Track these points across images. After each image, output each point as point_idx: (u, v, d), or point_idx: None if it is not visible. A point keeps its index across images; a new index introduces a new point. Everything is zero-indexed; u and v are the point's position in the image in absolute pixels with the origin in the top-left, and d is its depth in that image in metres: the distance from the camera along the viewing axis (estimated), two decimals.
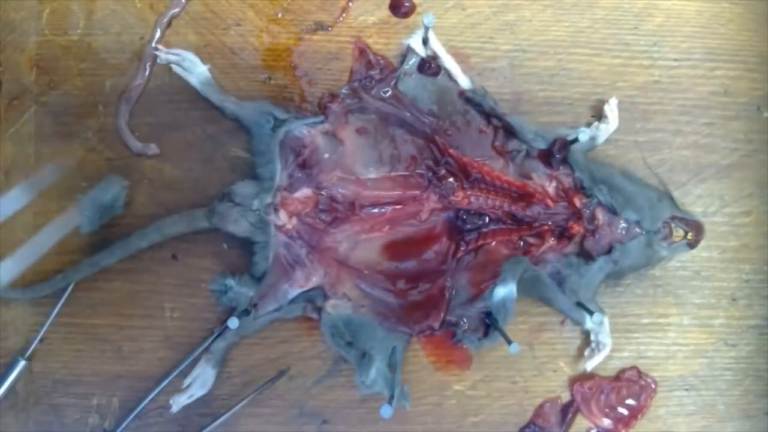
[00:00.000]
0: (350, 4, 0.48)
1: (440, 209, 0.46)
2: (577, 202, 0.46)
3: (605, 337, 0.46)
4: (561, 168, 0.46)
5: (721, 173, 0.49)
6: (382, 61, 0.48)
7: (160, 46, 0.47)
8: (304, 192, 0.45)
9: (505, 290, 0.44)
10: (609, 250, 0.45)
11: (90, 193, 0.46)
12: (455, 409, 0.48)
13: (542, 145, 0.46)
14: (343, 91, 0.47)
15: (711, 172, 0.49)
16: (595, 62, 0.49)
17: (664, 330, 0.48)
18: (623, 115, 0.47)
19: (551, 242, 0.46)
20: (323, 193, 0.46)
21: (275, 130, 0.45)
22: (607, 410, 0.47)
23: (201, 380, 0.45)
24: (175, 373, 0.45)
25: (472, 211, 0.46)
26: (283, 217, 0.45)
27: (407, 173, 0.46)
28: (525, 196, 0.46)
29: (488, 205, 0.46)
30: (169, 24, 0.48)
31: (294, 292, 0.45)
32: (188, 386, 0.45)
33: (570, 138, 0.45)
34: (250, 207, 0.45)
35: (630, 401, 0.47)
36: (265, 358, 0.47)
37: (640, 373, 0.48)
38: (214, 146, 0.48)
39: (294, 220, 0.45)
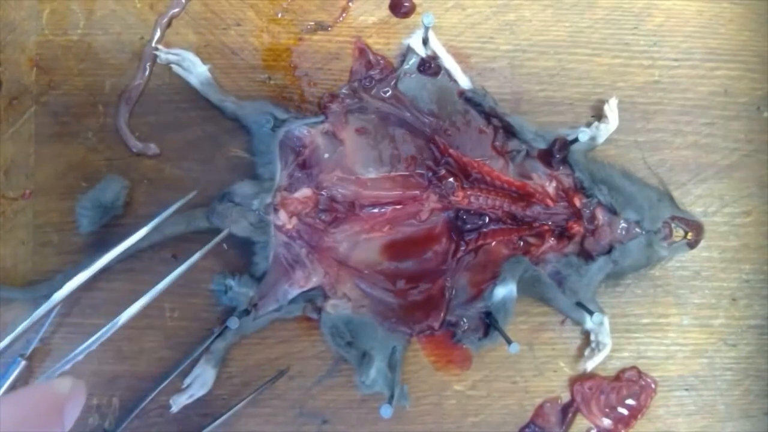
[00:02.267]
0: (350, 4, 0.48)
1: (440, 209, 0.46)
2: (577, 202, 0.46)
3: (605, 337, 0.46)
4: (561, 168, 0.46)
5: (721, 173, 0.49)
6: (382, 61, 0.48)
7: (160, 46, 0.47)
8: (304, 192, 0.45)
9: (505, 290, 0.44)
10: (609, 250, 0.45)
11: (90, 193, 0.46)
12: (455, 409, 0.48)
13: (542, 145, 0.46)
14: (343, 91, 0.47)
15: (711, 172, 0.49)
16: (595, 62, 0.49)
17: (664, 330, 0.48)
18: (623, 115, 0.47)
19: (551, 242, 0.46)
20: (323, 193, 0.46)
21: (275, 130, 0.45)
22: (607, 410, 0.47)
23: (201, 380, 0.45)
24: (175, 373, 0.45)
25: (472, 211, 0.46)
26: (282, 217, 0.45)
27: (407, 173, 0.46)
28: (525, 196, 0.46)
29: (488, 205, 0.46)
30: (169, 24, 0.48)
31: (294, 292, 0.45)
32: (188, 386, 0.45)
33: (570, 138, 0.45)
34: (250, 207, 0.45)
35: (630, 401, 0.48)
36: (265, 358, 0.47)
37: (640, 373, 0.48)
38: (214, 146, 0.48)
39: (294, 220, 0.45)
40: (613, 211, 0.46)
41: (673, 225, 0.46)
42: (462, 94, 0.47)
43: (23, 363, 0.46)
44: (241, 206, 0.45)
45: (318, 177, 0.46)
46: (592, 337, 0.47)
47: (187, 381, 0.46)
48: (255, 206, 0.44)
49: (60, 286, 0.46)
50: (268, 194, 0.45)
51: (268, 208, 0.45)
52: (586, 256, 0.46)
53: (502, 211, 0.46)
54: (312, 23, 0.48)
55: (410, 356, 0.47)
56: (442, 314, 0.45)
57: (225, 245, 0.47)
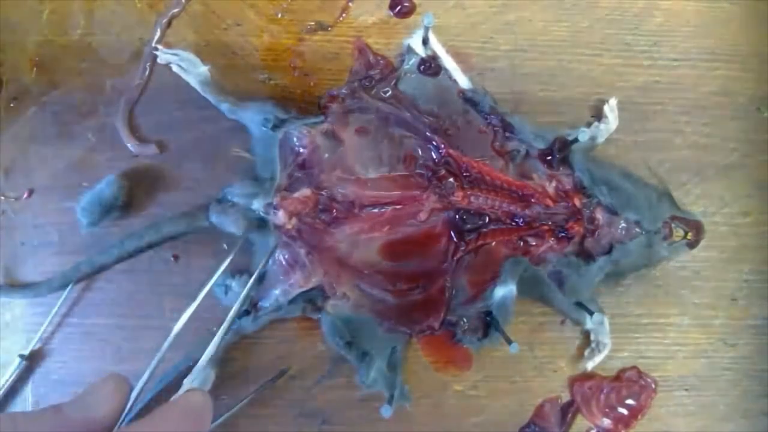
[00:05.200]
0: (350, 4, 0.48)
1: (440, 209, 0.46)
2: (577, 202, 0.46)
3: (605, 337, 0.46)
4: (561, 168, 0.47)
5: (721, 173, 0.49)
6: (382, 61, 0.48)
7: (159, 46, 0.47)
8: (304, 192, 0.45)
9: (504, 290, 0.44)
10: (609, 250, 0.45)
11: (90, 193, 0.46)
12: (455, 409, 0.48)
13: (542, 145, 0.46)
14: (343, 91, 0.47)
15: (711, 172, 0.49)
16: (595, 62, 0.49)
17: (664, 330, 0.48)
18: (623, 115, 0.47)
19: (551, 242, 0.46)
20: (323, 193, 0.46)
21: (275, 130, 0.45)
22: (607, 410, 0.47)
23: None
24: (175, 373, 0.45)
25: (472, 211, 0.46)
26: (282, 217, 0.45)
27: (407, 173, 0.46)
28: (525, 196, 0.46)
29: (488, 205, 0.46)
30: (169, 24, 0.48)
31: (294, 292, 0.45)
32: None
33: (570, 138, 0.45)
34: (250, 207, 0.45)
35: (630, 401, 0.47)
36: (265, 358, 0.47)
37: (640, 373, 0.48)
38: (214, 146, 0.48)
39: (294, 221, 0.45)
40: (613, 211, 0.46)
41: (673, 225, 0.46)
42: (462, 94, 0.47)
43: (23, 363, 0.46)
44: (241, 206, 0.45)
45: (318, 177, 0.46)
46: (592, 337, 0.47)
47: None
48: (255, 206, 0.44)
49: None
50: (268, 194, 0.45)
51: (267, 207, 0.45)
52: (586, 256, 0.46)
53: (501, 211, 0.46)
54: (312, 23, 0.48)
55: (410, 356, 0.47)
56: (441, 314, 0.45)
57: (225, 245, 0.47)
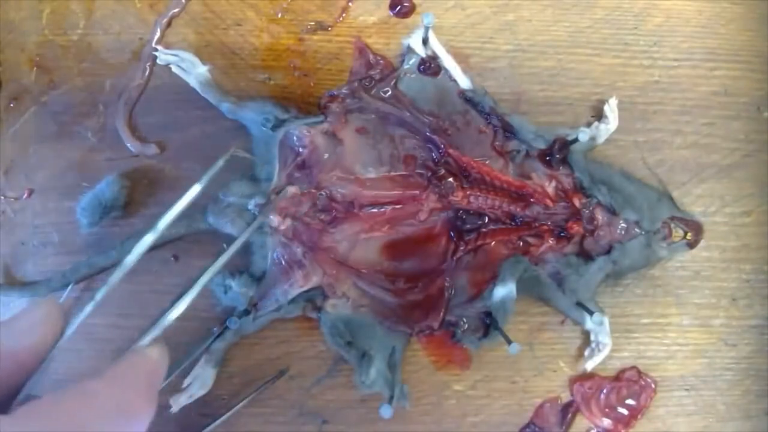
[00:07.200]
0: (350, 4, 0.48)
1: (440, 209, 0.46)
2: (577, 202, 0.46)
3: (605, 337, 0.46)
4: (561, 168, 0.46)
5: (721, 173, 0.49)
6: (381, 61, 0.48)
7: (159, 47, 0.47)
8: (290, 190, 0.45)
9: (504, 290, 0.44)
10: (608, 250, 0.45)
11: (90, 193, 0.46)
12: (455, 409, 0.48)
13: (542, 145, 0.46)
14: (343, 91, 0.47)
15: (711, 172, 0.49)
16: (595, 62, 0.49)
17: (664, 330, 0.48)
18: (623, 115, 0.47)
19: (550, 242, 0.46)
20: (323, 192, 0.46)
21: (275, 130, 0.45)
22: (607, 410, 0.47)
23: (201, 380, 0.45)
24: (175, 373, 0.45)
25: (471, 211, 0.46)
26: (275, 218, 0.45)
27: (407, 173, 0.46)
28: (524, 196, 0.46)
29: (488, 205, 0.46)
30: (169, 24, 0.48)
31: (294, 292, 0.45)
32: (188, 386, 0.45)
33: (570, 138, 0.45)
34: (246, 207, 0.45)
35: (630, 401, 0.47)
36: (265, 358, 0.47)
37: (640, 373, 0.48)
38: (214, 146, 0.48)
39: (288, 221, 0.45)
40: (612, 211, 0.46)
41: (672, 225, 0.46)
42: (462, 94, 0.47)
43: None
44: (237, 206, 0.45)
45: (317, 177, 0.46)
46: (592, 337, 0.47)
47: (187, 381, 0.46)
48: (250, 207, 0.44)
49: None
50: (264, 195, 0.45)
51: (262, 208, 0.44)
52: (586, 256, 0.46)
53: (501, 211, 0.46)
54: (312, 23, 0.48)
55: (410, 356, 0.47)
56: (441, 314, 0.45)
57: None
